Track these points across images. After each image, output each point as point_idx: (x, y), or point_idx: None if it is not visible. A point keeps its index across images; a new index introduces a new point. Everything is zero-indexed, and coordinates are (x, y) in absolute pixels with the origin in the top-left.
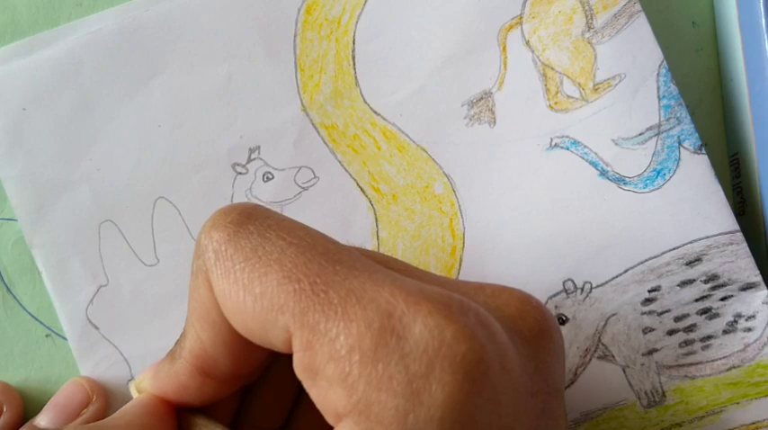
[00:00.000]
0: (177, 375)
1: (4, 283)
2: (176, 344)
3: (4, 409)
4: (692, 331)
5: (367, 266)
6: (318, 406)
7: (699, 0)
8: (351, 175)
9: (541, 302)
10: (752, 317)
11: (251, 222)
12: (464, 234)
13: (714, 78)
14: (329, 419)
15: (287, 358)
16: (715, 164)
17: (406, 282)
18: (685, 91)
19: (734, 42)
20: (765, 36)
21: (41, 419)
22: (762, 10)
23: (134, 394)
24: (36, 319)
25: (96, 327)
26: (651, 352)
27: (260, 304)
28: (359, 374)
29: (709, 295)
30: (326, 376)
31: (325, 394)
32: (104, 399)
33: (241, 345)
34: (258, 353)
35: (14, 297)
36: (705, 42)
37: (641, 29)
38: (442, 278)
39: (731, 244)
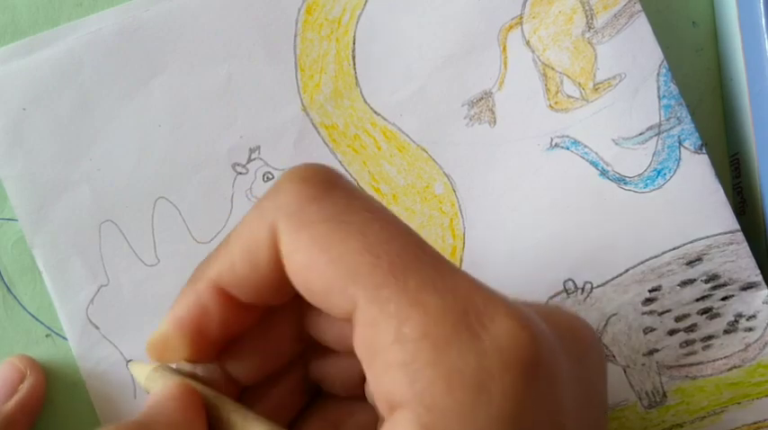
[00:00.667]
0: (198, 296)
1: (5, 283)
2: (196, 270)
3: (28, 374)
4: (692, 331)
5: (444, 259)
6: (371, 389)
7: (699, 0)
8: (351, 175)
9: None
10: (753, 316)
11: (338, 187)
12: (464, 234)
13: (714, 78)
14: (380, 407)
15: (295, 368)
16: (715, 164)
17: (482, 283)
18: (685, 91)
19: (734, 42)
20: (765, 36)
21: None
22: (762, 10)
23: (135, 375)
24: (36, 319)
25: (97, 327)
26: (652, 352)
27: (332, 267)
28: (426, 361)
29: (710, 295)
30: (387, 359)
31: (380, 378)
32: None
33: (279, 285)
34: (286, 297)
35: (15, 297)
36: (705, 42)
37: (641, 29)
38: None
39: (732, 243)
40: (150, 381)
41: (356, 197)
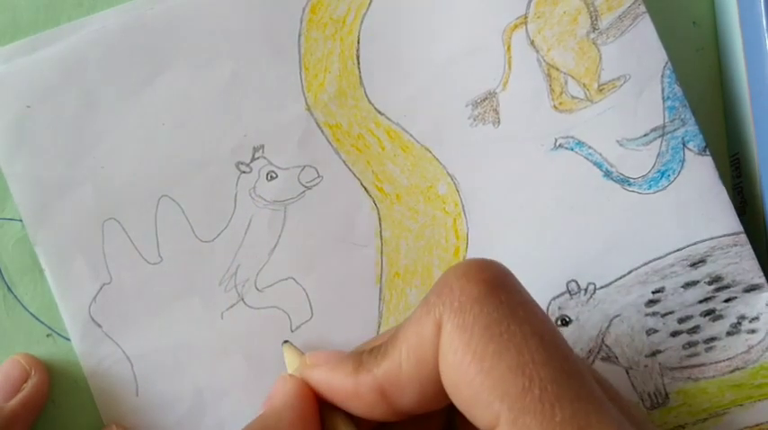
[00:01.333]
0: (358, 384)
1: (6, 283)
2: (369, 353)
3: (32, 373)
4: (695, 333)
5: (594, 392)
6: None
7: (699, 0)
8: (354, 175)
9: None
10: (755, 318)
11: (503, 290)
12: (467, 234)
13: (715, 78)
14: None
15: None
16: (716, 164)
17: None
18: (686, 91)
19: (735, 42)
20: (766, 35)
21: None
22: (762, 9)
23: (287, 358)
24: (37, 319)
25: (99, 325)
26: (654, 353)
27: (481, 379)
28: None
29: (713, 297)
30: None
31: None
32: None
33: (436, 392)
34: (446, 402)
35: (15, 297)
36: (706, 42)
37: (646, 30)
38: (649, 426)
39: (735, 245)
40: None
41: (520, 303)
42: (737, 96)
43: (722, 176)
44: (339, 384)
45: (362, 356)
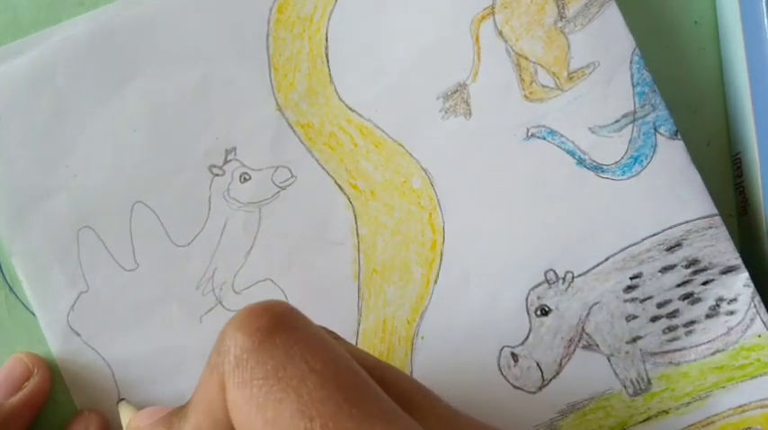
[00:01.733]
0: None
1: (7, 283)
2: (176, 416)
3: (35, 371)
4: (674, 317)
5: (384, 412)
6: None
7: None
8: (328, 173)
9: None
10: (734, 300)
11: (279, 333)
12: (444, 228)
13: (716, 77)
14: None
15: None
16: (717, 163)
17: None
18: (687, 90)
19: (736, 41)
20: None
21: None
22: (764, 8)
23: (122, 417)
24: (38, 318)
25: (78, 334)
26: (635, 339)
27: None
28: None
29: (691, 280)
30: None
31: None
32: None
33: None
34: None
35: (16, 296)
36: (707, 41)
37: (612, 17)
38: (463, 421)
39: (710, 227)
40: None
41: (297, 341)
42: (739, 96)
43: (724, 176)
44: None
45: (172, 419)
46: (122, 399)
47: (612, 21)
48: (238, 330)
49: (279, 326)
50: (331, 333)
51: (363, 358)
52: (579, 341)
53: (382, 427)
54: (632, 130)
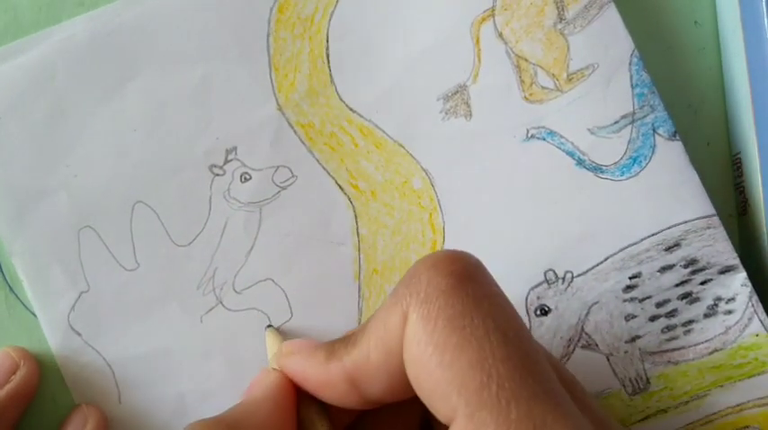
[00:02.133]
0: (329, 373)
1: (7, 283)
2: (341, 342)
3: (21, 364)
4: (673, 316)
5: (554, 390)
6: None
7: None
8: (329, 173)
9: None
10: (732, 299)
11: (471, 283)
12: (444, 228)
13: (716, 78)
14: None
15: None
16: (717, 164)
17: (584, 428)
18: (687, 90)
19: (736, 42)
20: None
21: None
22: (764, 9)
23: (268, 344)
24: (38, 318)
25: (78, 334)
26: (634, 339)
27: (441, 372)
28: None
29: (689, 280)
30: None
31: None
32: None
33: (403, 382)
34: (412, 393)
35: (17, 296)
36: (707, 41)
37: (612, 19)
38: (612, 425)
39: (709, 227)
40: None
41: (486, 296)
42: (739, 96)
43: (724, 176)
44: (312, 373)
45: (335, 345)
46: (270, 326)
47: (611, 22)
48: (434, 267)
49: (473, 276)
50: None
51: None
52: (578, 340)
53: (554, 406)
54: (631, 131)
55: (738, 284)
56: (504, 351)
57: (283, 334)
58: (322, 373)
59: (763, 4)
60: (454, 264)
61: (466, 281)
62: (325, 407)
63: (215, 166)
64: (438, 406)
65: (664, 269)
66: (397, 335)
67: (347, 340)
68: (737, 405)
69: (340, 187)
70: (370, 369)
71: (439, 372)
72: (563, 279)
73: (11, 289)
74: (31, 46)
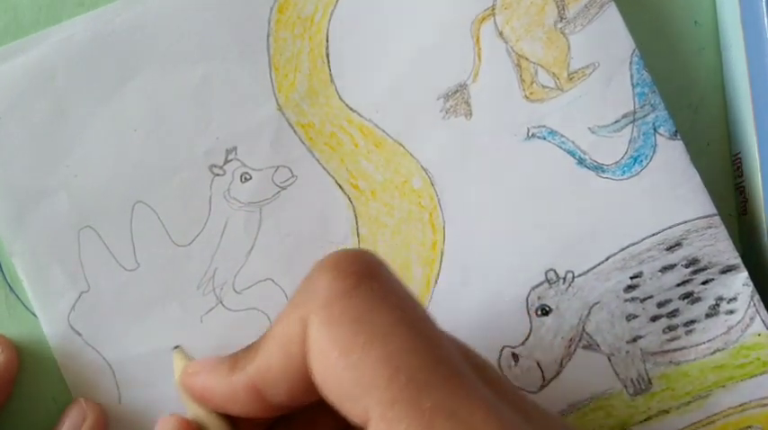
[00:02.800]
0: (233, 385)
1: (7, 283)
2: (242, 353)
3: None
4: (675, 316)
5: (465, 376)
6: None
7: None
8: (329, 173)
9: None
10: (733, 299)
11: (373, 280)
12: (444, 228)
13: (716, 78)
14: None
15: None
16: (717, 163)
17: (501, 412)
18: (687, 90)
19: (736, 42)
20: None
21: None
22: (764, 9)
23: (176, 365)
24: (38, 318)
25: (79, 334)
26: (635, 339)
27: (349, 373)
28: None
29: (691, 279)
30: None
31: None
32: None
33: (308, 387)
34: (317, 396)
35: (17, 296)
36: (707, 41)
37: (612, 18)
38: (530, 405)
39: (710, 227)
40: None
41: (388, 292)
42: (739, 96)
43: (724, 176)
44: (217, 387)
45: (237, 356)
46: (177, 347)
47: (612, 21)
48: (333, 270)
49: (375, 273)
50: None
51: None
52: (580, 341)
53: (465, 392)
54: (632, 131)
55: (740, 284)
56: (412, 343)
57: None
58: (226, 386)
59: (763, 4)
60: (354, 264)
61: (368, 279)
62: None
63: (215, 166)
64: (350, 408)
65: (665, 269)
66: (297, 340)
67: (249, 350)
68: (740, 405)
69: (340, 187)
70: (273, 376)
71: (347, 374)
72: (564, 279)
73: (11, 289)
74: (31, 46)
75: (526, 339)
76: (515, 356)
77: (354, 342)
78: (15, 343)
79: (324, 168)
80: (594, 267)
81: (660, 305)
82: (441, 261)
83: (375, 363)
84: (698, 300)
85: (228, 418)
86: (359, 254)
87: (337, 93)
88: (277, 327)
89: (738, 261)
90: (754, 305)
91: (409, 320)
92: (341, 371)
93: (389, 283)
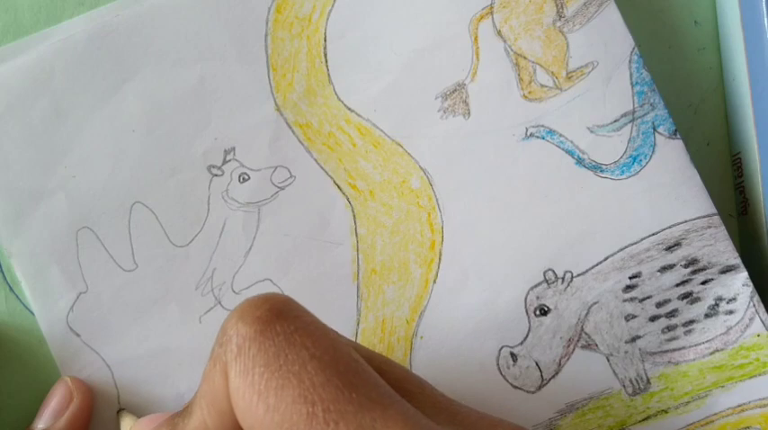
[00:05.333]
0: None
1: (7, 283)
2: (180, 415)
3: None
4: (674, 316)
5: (382, 397)
6: None
7: None
8: (327, 173)
9: None
10: (733, 299)
11: (279, 321)
12: (443, 228)
13: (716, 77)
14: None
15: None
16: (717, 163)
17: (418, 423)
18: (687, 90)
19: (736, 41)
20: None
21: (38, 423)
22: (764, 9)
23: (123, 425)
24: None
25: (77, 334)
26: (634, 339)
27: (271, 416)
28: None
29: (690, 279)
30: None
31: None
32: (84, 395)
33: None
34: None
35: (17, 296)
36: (707, 41)
37: (611, 17)
38: (457, 407)
39: (709, 227)
40: None
41: (297, 329)
42: (739, 96)
43: (724, 176)
44: None
45: (175, 420)
46: (122, 409)
47: (611, 20)
48: (240, 320)
49: (279, 315)
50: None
51: (358, 348)
52: (578, 341)
53: (381, 411)
54: (631, 130)
55: (740, 284)
56: (323, 375)
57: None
58: None
59: (763, 4)
60: (259, 308)
61: (274, 321)
62: None
63: (213, 167)
64: None
65: (664, 269)
66: (224, 395)
67: (184, 412)
68: (738, 405)
69: (338, 187)
70: None
71: (268, 418)
72: (562, 279)
73: (11, 289)
74: (29, 47)
75: (525, 339)
76: (514, 356)
77: (269, 386)
78: (15, 343)
79: (322, 168)
80: (593, 267)
81: (659, 305)
82: (439, 261)
83: (292, 404)
84: (697, 300)
85: None
86: (263, 297)
87: (335, 92)
88: (204, 385)
89: (738, 261)
90: (754, 305)
91: (319, 354)
92: (262, 416)
93: (296, 320)
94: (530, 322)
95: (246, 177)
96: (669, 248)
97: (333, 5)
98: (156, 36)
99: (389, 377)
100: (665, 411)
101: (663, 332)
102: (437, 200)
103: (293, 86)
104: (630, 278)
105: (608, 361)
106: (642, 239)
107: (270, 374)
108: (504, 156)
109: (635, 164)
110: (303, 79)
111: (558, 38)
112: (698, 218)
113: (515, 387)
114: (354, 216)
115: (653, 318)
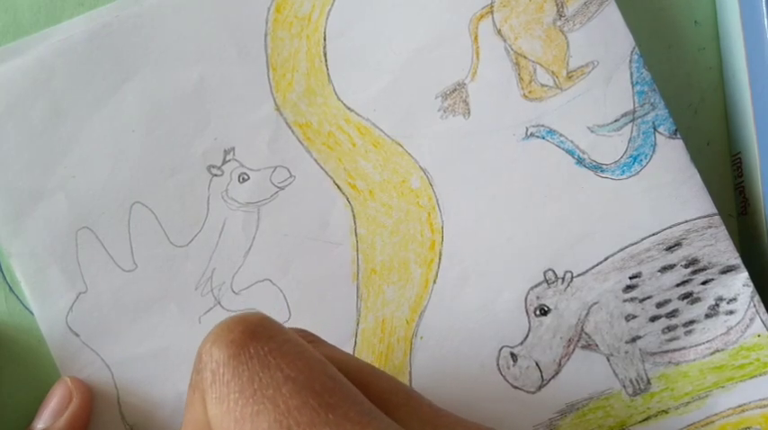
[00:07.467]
0: None
1: (7, 283)
2: None
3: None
4: (674, 316)
5: (361, 415)
6: None
7: None
8: (327, 173)
9: None
10: (733, 299)
11: (253, 343)
12: (442, 228)
13: (716, 77)
14: None
15: None
16: (717, 163)
17: None
18: (687, 90)
19: (736, 41)
20: (767, 35)
21: (38, 423)
22: (764, 9)
23: None
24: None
25: (77, 334)
26: (634, 339)
27: None
28: None
29: (690, 279)
30: None
31: None
32: (83, 395)
33: None
34: None
35: (16, 297)
36: (707, 41)
37: (612, 16)
38: (444, 419)
39: (710, 227)
40: None
41: (271, 351)
42: (739, 96)
43: (723, 176)
44: None
45: None
46: None
47: (612, 19)
48: (213, 345)
49: (252, 337)
50: (310, 335)
51: (344, 361)
52: (578, 341)
53: (361, 429)
54: (632, 129)
55: (740, 284)
56: (299, 398)
57: None
58: None
59: (763, 4)
60: (232, 331)
61: (247, 344)
62: None
63: (213, 167)
64: None
65: (664, 269)
66: (205, 422)
67: None
68: (739, 406)
69: (338, 187)
70: None
71: None
72: (563, 279)
73: (11, 289)
74: (29, 47)
75: (525, 339)
76: (514, 356)
77: (244, 413)
78: (15, 343)
79: (322, 168)
80: (593, 267)
81: (659, 305)
82: (439, 261)
83: (269, 429)
84: (697, 300)
85: None
86: (237, 320)
87: (335, 92)
88: (187, 414)
89: (738, 261)
90: (754, 306)
91: (294, 376)
92: None
93: (271, 341)
94: (530, 322)
95: (246, 177)
96: (669, 248)
97: (332, 5)
98: (155, 36)
99: (375, 390)
100: (666, 411)
101: (663, 332)
102: (437, 199)
103: (293, 86)
104: (631, 278)
105: (608, 361)
106: (642, 239)
107: (245, 400)
108: (505, 155)
109: (635, 164)
110: (303, 79)
111: (558, 37)
112: (698, 218)
113: (515, 387)
114: (354, 216)
115: (653, 319)
